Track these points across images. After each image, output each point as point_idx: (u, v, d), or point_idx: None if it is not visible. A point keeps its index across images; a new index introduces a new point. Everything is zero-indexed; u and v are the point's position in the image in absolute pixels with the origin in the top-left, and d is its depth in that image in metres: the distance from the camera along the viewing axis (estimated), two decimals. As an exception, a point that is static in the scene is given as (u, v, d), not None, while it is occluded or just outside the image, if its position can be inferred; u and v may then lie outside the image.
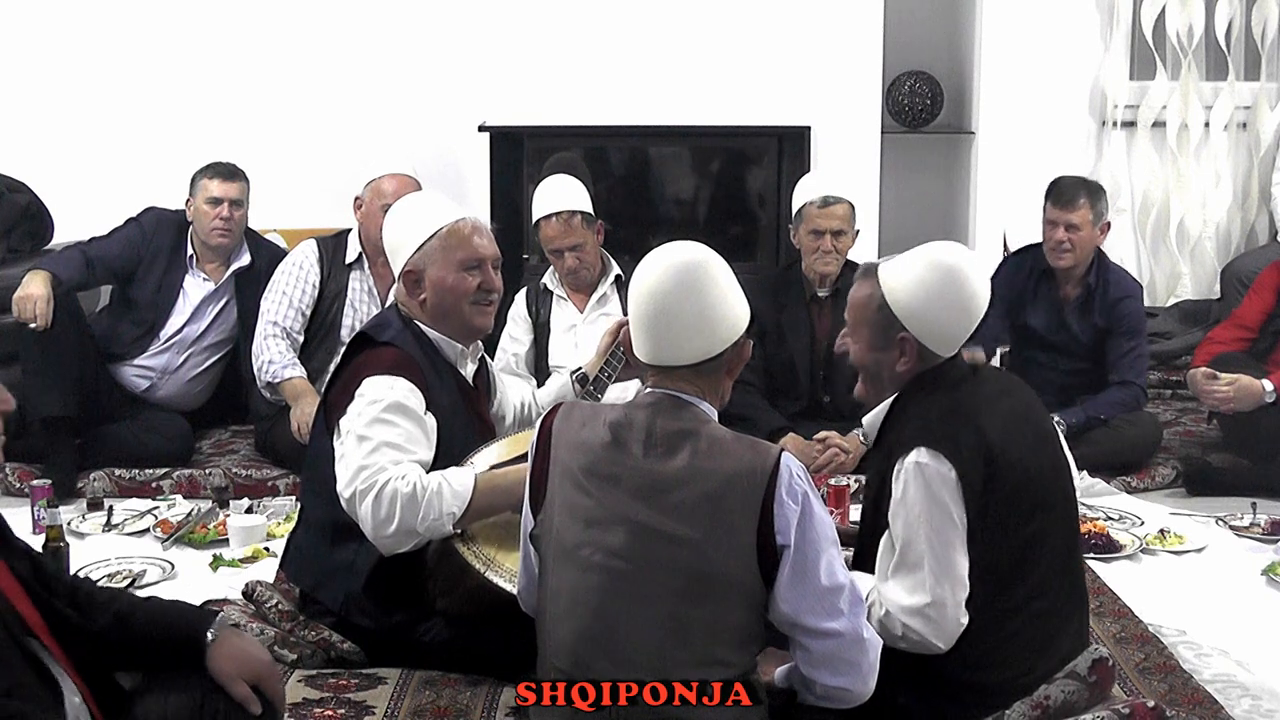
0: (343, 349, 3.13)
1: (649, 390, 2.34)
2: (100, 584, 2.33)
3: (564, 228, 4.37)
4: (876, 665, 2.29)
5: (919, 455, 2.43)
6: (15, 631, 1.99)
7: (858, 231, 4.50)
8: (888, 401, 2.60)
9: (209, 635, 2.15)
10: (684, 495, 2.22)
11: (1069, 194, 4.47)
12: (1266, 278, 4.63)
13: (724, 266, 2.36)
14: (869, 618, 2.43)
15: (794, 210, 4.50)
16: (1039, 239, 4.58)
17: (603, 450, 2.28)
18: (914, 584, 2.43)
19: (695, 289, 2.30)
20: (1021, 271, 4.66)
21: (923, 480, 2.42)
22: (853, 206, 4.44)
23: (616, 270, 4.54)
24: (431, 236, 2.95)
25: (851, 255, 4.70)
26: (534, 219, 4.44)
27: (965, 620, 2.43)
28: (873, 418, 2.64)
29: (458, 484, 2.70)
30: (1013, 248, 5.01)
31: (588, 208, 4.41)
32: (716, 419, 2.33)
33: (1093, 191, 4.50)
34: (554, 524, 2.31)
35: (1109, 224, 4.57)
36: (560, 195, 4.40)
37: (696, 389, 2.32)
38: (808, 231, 4.43)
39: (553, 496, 2.32)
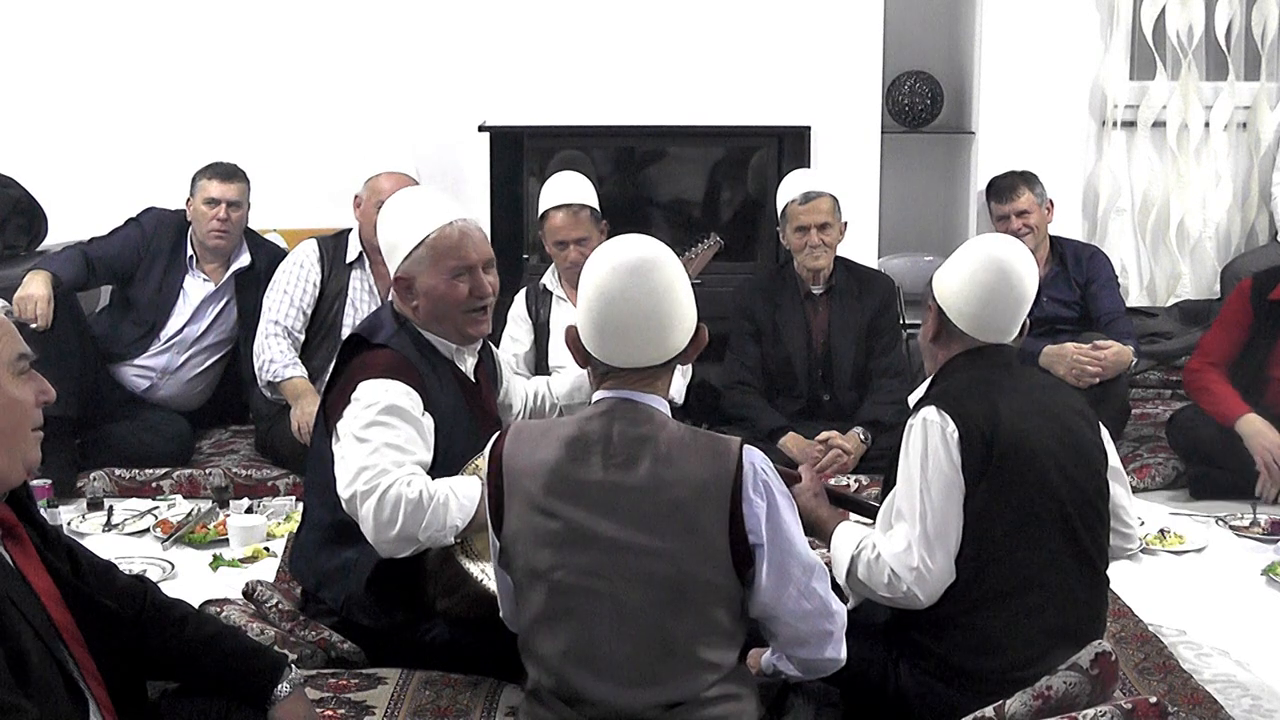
0: (341, 349, 3.13)
1: (600, 398, 2.28)
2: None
3: (572, 219, 4.35)
4: (844, 629, 2.33)
5: (927, 413, 2.54)
6: (48, 640, 1.96)
7: (845, 224, 4.50)
8: (927, 382, 2.69)
9: (281, 689, 2.17)
10: (650, 506, 2.20)
11: (1008, 187, 4.89)
12: (1232, 309, 4.51)
13: (675, 260, 2.30)
14: (857, 563, 2.56)
15: (778, 211, 4.52)
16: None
17: (561, 469, 2.23)
18: (906, 533, 2.51)
19: (653, 292, 2.23)
20: None
21: (925, 435, 2.52)
22: (835, 199, 4.45)
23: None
24: (419, 244, 2.91)
25: (851, 254, 4.73)
26: (540, 211, 4.40)
27: (953, 577, 2.51)
28: (915, 394, 2.72)
29: (464, 496, 2.68)
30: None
31: (595, 204, 4.41)
32: (669, 411, 2.30)
33: (1028, 179, 4.90)
34: (520, 550, 2.27)
35: (1052, 203, 4.95)
36: (569, 188, 4.39)
37: (651, 387, 2.28)
38: (793, 229, 4.45)
39: (513, 523, 2.27)
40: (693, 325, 2.30)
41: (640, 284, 2.23)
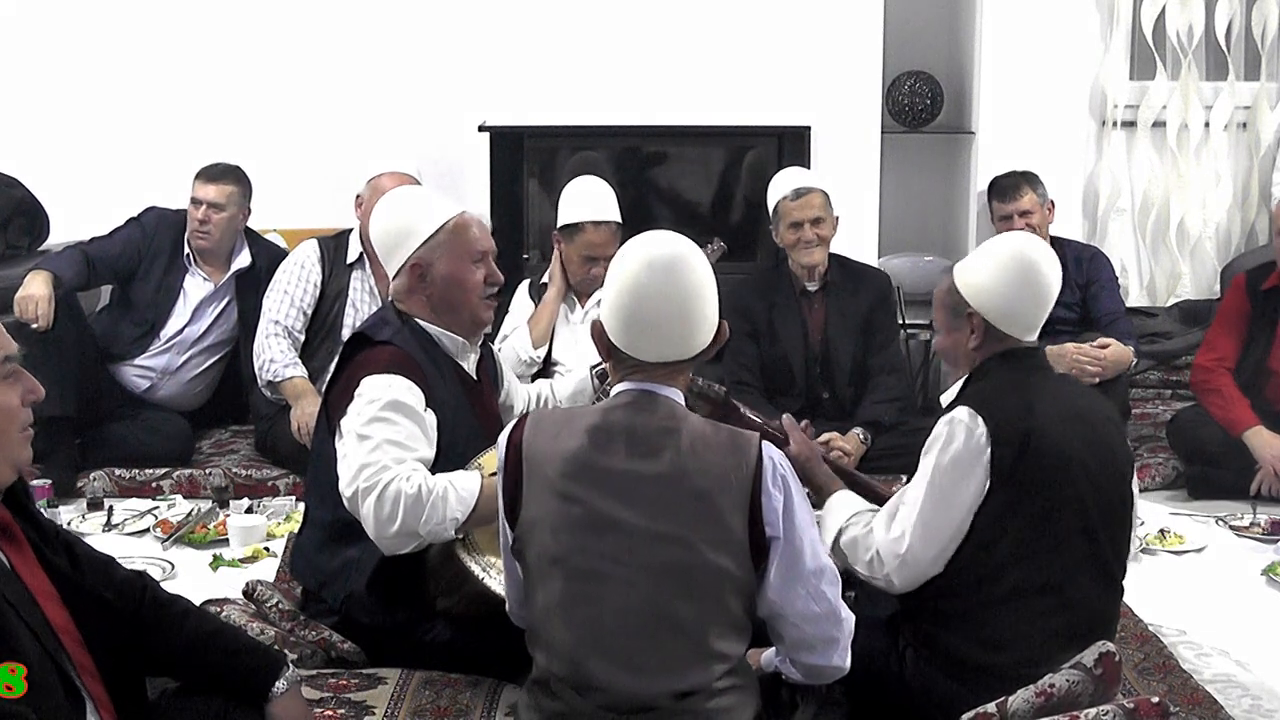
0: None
1: (623, 389, 2.32)
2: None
3: (609, 237, 4.36)
4: (850, 638, 2.35)
5: (959, 413, 2.55)
6: (44, 640, 1.96)
7: (838, 218, 4.49)
8: (962, 380, 2.70)
9: (277, 687, 2.17)
10: (672, 495, 2.23)
11: (1011, 187, 4.88)
12: (1231, 305, 4.56)
13: (703, 258, 2.36)
14: (844, 533, 2.64)
15: (770, 210, 4.51)
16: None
17: (584, 456, 2.26)
18: (904, 521, 2.55)
19: (683, 289, 2.29)
20: None
21: (951, 433, 2.53)
22: (826, 194, 4.45)
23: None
24: (440, 229, 2.95)
25: (851, 254, 4.73)
26: (570, 220, 4.38)
27: (937, 570, 2.54)
28: (949, 394, 2.72)
29: (463, 489, 2.68)
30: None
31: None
32: (685, 404, 2.33)
33: (1030, 179, 4.89)
34: (536, 536, 2.28)
35: (1053, 203, 4.94)
36: (603, 202, 4.38)
37: (672, 381, 2.32)
38: (786, 226, 4.45)
39: (531, 509, 2.29)
40: (715, 323, 2.35)
41: (672, 281, 2.28)
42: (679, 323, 2.29)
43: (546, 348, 4.45)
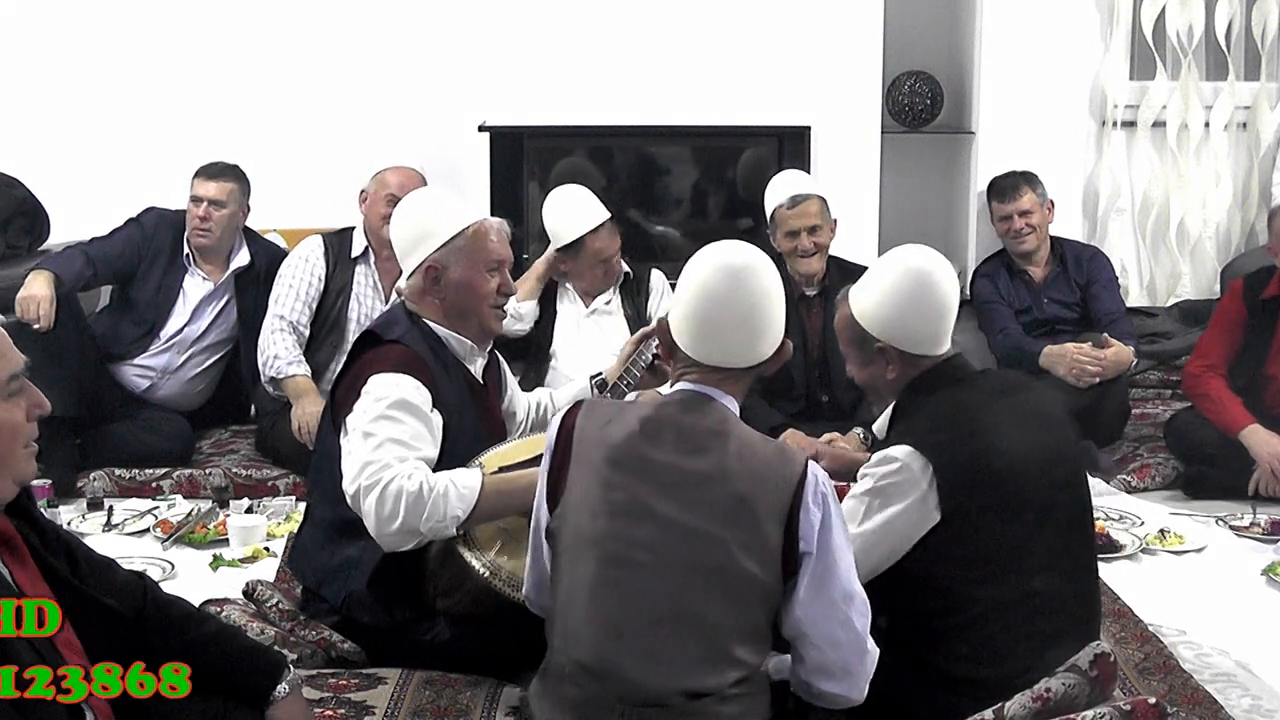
0: (349, 345, 3.14)
1: (680, 388, 2.36)
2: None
3: (609, 236, 4.46)
4: (871, 672, 2.33)
5: (898, 452, 2.50)
6: (46, 654, 1.95)
7: (835, 221, 4.49)
8: (889, 411, 2.66)
9: (279, 690, 2.18)
10: (713, 493, 2.25)
11: (1011, 187, 4.97)
12: (1227, 310, 4.54)
13: (774, 270, 2.40)
14: None
15: (767, 216, 4.51)
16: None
17: (632, 444, 2.29)
18: None
19: (751, 297, 2.33)
20: (999, 277, 5.02)
21: (885, 473, 2.50)
22: (823, 200, 4.45)
23: (624, 270, 4.58)
24: (460, 233, 2.95)
25: (851, 254, 4.72)
26: (571, 237, 4.44)
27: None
28: (881, 421, 2.70)
29: (464, 487, 2.69)
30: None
31: None
32: (738, 413, 2.36)
33: (1030, 179, 4.99)
34: (574, 518, 2.31)
35: (1053, 203, 5.03)
36: (590, 207, 4.45)
37: (729, 387, 2.35)
38: (783, 234, 4.45)
39: (573, 491, 2.32)
40: (779, 336, 2.39)
41: (739, 287, 2.33)
42: (743, 329, 2.33)
43: (534, 305, 4.53)
